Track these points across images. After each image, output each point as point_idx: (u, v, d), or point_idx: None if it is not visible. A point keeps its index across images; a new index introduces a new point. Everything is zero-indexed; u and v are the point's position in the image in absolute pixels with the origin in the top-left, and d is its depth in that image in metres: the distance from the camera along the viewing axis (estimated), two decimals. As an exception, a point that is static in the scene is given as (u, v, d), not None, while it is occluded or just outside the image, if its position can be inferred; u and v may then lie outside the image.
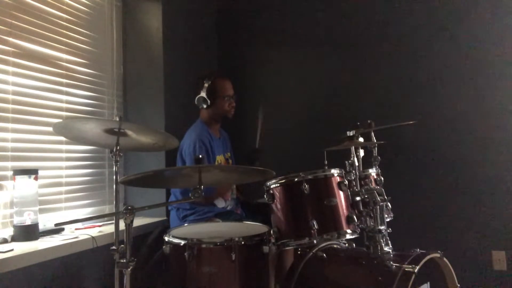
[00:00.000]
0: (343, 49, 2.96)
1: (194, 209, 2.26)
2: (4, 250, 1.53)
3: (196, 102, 2.36)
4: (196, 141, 2.24)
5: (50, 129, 1.59)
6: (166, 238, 1.63)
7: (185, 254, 1.52)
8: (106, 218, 2.19)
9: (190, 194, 1.30)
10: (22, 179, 1.72)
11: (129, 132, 1.54)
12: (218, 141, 2.44)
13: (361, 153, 2.02)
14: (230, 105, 2.42)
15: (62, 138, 2.03)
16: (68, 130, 1.64)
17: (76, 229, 2.00)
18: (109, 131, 1.52)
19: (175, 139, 1.61)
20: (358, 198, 1.76)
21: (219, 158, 2.38)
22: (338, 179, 1.77)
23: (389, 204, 1.98)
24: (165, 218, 2.45)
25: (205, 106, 2.36)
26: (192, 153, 2.21)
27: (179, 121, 2.54)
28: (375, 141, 2.05)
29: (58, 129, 1.59)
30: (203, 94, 2.32)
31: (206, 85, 2.32)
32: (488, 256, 2.59)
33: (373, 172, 2.07)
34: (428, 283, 1.67)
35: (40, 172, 1.80)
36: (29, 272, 1.61)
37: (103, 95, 2.39)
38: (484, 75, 2.66)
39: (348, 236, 1.71)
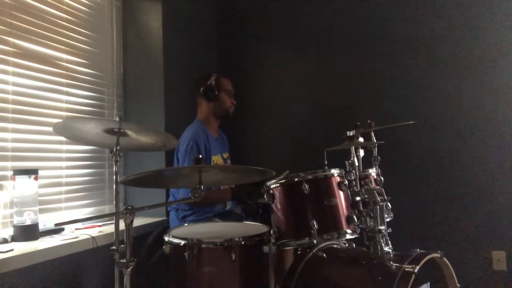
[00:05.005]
0: (343, 49, 2.96)
1: (193, 209, 2.26)
2: (4, 250, 1.53)
3: (201, 92, 2.39)
4: (189, 140, 2.25)
5: (50, 129, 1.58)
6: (166, 238, 1.63)
7: (185, 254, 1.51)
8: (106, 218, 2.19)
9: (190, 194, 1.29)
10: (22, 179, 1.72)
11: (129, 132, 1.54)
12: (215, 141, 2.44)
13: (361, 153, 2.02)
14: (231, 102, 2.49)
15: (62, 138, 2.03)
16: (68, 130, 1.64)
17: (76, 229, 1.99)
18: (109, 131, 1.52)
19: (175, 139, 1.61)
20: (358, 198, 1.76)
21: (216, 158, 2.37)
22: (338, 179, 1.77)
23: (389, 204, 1.98)
24: (165, 218, 2.45)
25: (209, 98, 2.39)
26: (184, 152, 2.22)
27: (179, 121, 2.54)
28: (375, 141, 2.04)
29: (58, 129, 1.59)
30: (211, 82, 2.38)
31: (213, 77, 2.40)
32: (488, 256, 2.59)
33: (373, 172, 2.07)
34: (428, 283, 1.66)
35: (40, 172, 1.80)
36: (29, 272, 1.61)
37: (103, 95, 2.38)
38: (484, 74, 2.65)
39: (348, 236, 1.71)
